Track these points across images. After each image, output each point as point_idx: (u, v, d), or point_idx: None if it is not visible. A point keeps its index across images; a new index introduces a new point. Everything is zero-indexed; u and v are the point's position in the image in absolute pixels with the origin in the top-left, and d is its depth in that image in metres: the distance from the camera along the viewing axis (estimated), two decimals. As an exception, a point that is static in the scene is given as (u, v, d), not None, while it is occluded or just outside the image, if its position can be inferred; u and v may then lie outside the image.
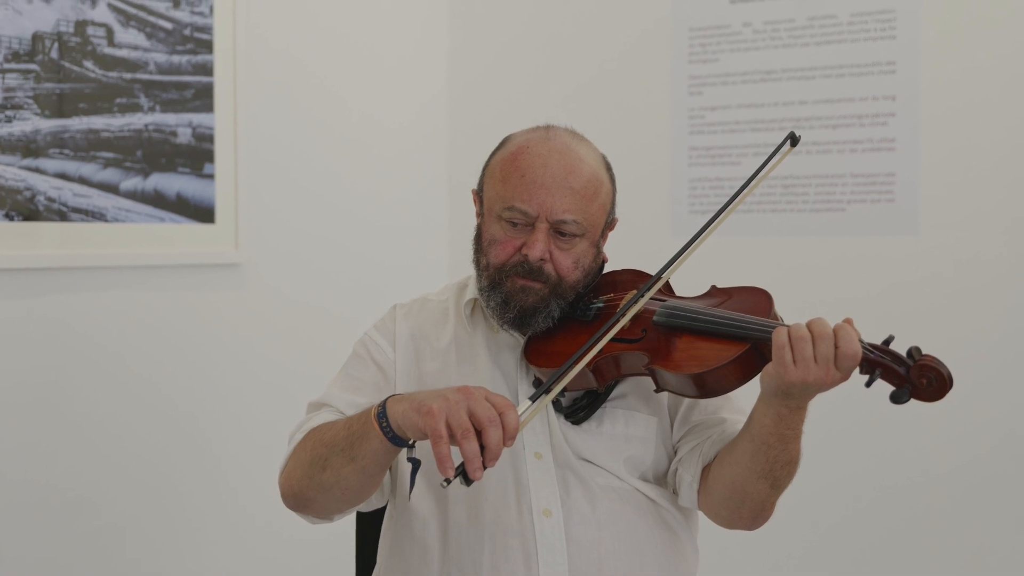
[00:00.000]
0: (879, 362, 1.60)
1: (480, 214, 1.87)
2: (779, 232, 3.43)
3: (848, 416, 3.07)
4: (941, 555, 3.20)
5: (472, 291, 1.89)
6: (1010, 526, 3.14)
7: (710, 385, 1.67)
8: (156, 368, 3.09)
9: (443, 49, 4.05)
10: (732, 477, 1.72)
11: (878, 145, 3.32)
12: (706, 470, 1.79)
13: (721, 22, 3.53)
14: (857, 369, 1.60)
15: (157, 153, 3.11)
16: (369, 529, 2.07)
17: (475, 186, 1.91)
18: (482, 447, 1.49)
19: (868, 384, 1.61)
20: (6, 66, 2.79)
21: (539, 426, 1.78)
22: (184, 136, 3.18)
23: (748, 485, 1.71)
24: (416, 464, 1.60)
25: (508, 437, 1.50)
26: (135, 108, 3.07)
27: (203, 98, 3.23)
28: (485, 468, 1.49)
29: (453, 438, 1.50)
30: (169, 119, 3.15)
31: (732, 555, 2.85)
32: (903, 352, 1.61)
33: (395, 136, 3.87)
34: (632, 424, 1.81)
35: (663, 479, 1.86)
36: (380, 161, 3.80)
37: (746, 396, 1.80)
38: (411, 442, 1.60)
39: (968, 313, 3.21)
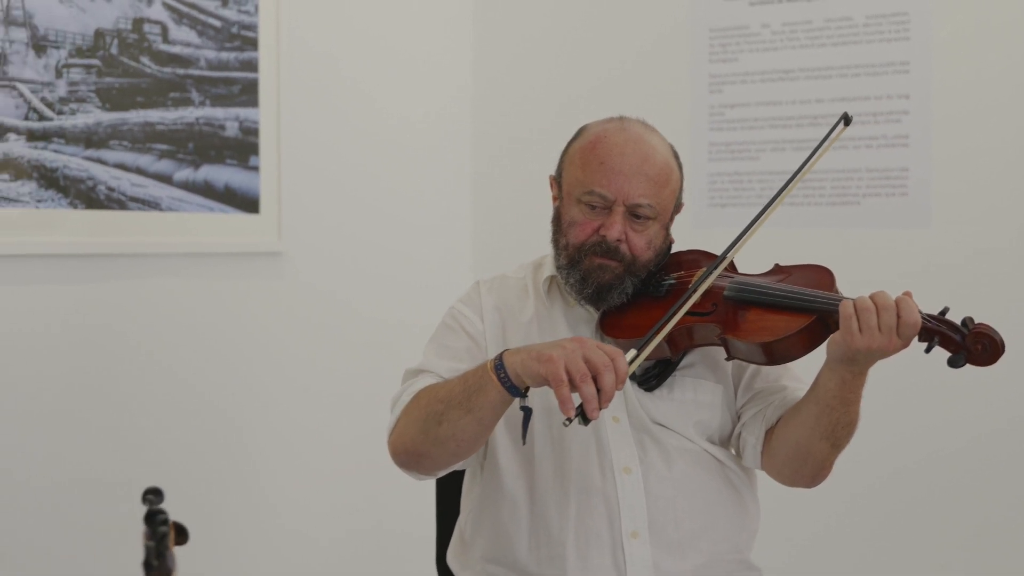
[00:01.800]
0: (937, 330, 1.77)
1: (558, 198, 2.02)
2: (797, 225, 3.58)
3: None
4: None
5: (549, 269, 2.04)
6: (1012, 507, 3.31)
7: (779, 353, 1.82)
8: (204, 349, 3.23)
9: (467, 47, 4.20)
10: (796, 438, 1.88)
11: (892, 141, 3.49)
12: (769, 433, 1.95)
13: (741, 23, 3.69)
14: (916, 337, 1.76)
15: (207, 146, 3.24)
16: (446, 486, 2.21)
17: (553, 173, 2.05)
18: (598, 390, 1.65)
19: (927, 350, 1.78)
20: (70, 61, 2.92)
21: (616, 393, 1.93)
22: (232, 130, 3.32)
23: (811, 445, 1.86)
24: (528, 412, 1.75)
25: (619, 381, 1.66)
26: (187, 102, 3.20)
27: (249, 93, 3.37)
28: (600, 409, 1.64)
29: (572, 382, 1.65)
30: (218, 113, 3.28)
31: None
32: (958, 321, 1.77)
33: (421, 132, 4.01)
34: (700, 391, 1.97)
35: (727, 442, 2.01)
36: (406, 156, 3.94)
37: (804, 367, 1.95)
38: (525, 391, 1.75)
39: (979, 303, 3.34)
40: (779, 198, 1.95)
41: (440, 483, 2.21)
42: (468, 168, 4.21)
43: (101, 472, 2.93)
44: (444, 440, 1.80)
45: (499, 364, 1.75)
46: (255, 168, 3.38)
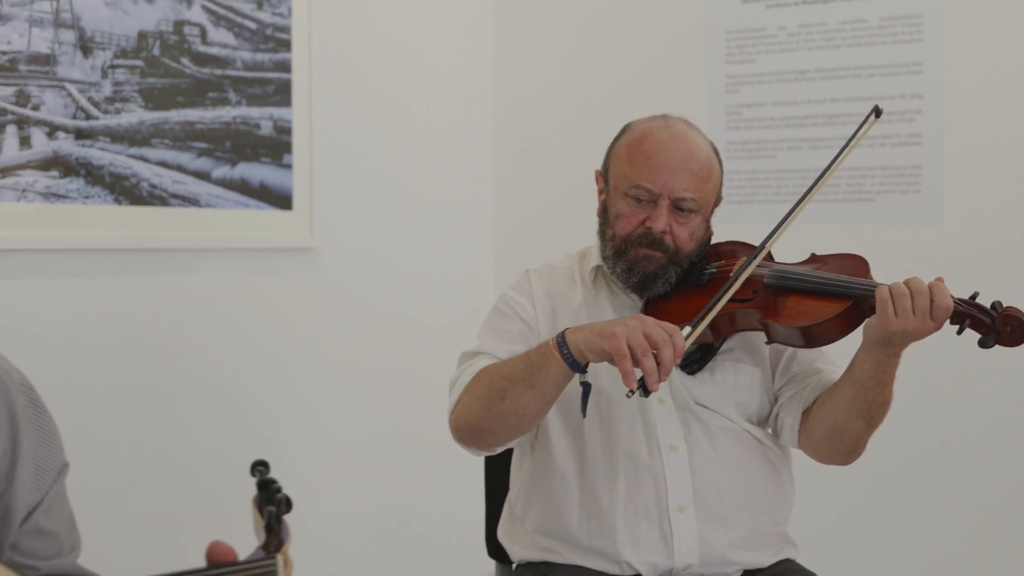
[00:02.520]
0: (968, 313, 1.88)
1: (604, 191, 2.13)
2: (814, 221, 3.68)
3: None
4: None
5: (594, 259, 2.15)
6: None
7: (816, 336, 1.93)
8: (238, 340, 3.33)
9: (488, 48, 4.30)
10: (833, 417, 1.98)
11: (906, 140, 3.59)
12: (806, 413, 2.06)
13: (757, 25, 3.79)
14: (948, 320, 1.87)
15: (243, 144, 3.34)
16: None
17: (599, 168, 2.16)
18: (657, 364, 1.76)
19: (959, 332, 1.89)
20: (115, 62, 3.03)
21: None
22: (266, 128, 3.42)
23: (847, 424, 1.97)
24: (587, 387, 1.86)
25: (677, 355, 1.78)
26: (224, 102, 3.30)
27: (282, 93, 3.47)
28: (660, 382, 1.76)
29: (633, 357, 1.76)
30: (253, 112, 3.38)
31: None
32: (987, 305, 1.88)
33: (444, 131, 4.11)
34: (740, 374, 2.07)
35: (765, 422, 2.12)
36: (431, 155, 4.04)
37: (839, 351, 2.06)
38: (585, 367, 1.85)
39: (989, 296, 3.47)
40: (814, 189, 2.06)
41: (488, 464, 2.31)
42: (489, 166, 4.31)
43: (128, 463, 3.03)
44: (507, 415, 1.90)
45: (561, 341, 1.86)
46: (288, 166, 3.48)
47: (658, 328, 1.79)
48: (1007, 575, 3.44)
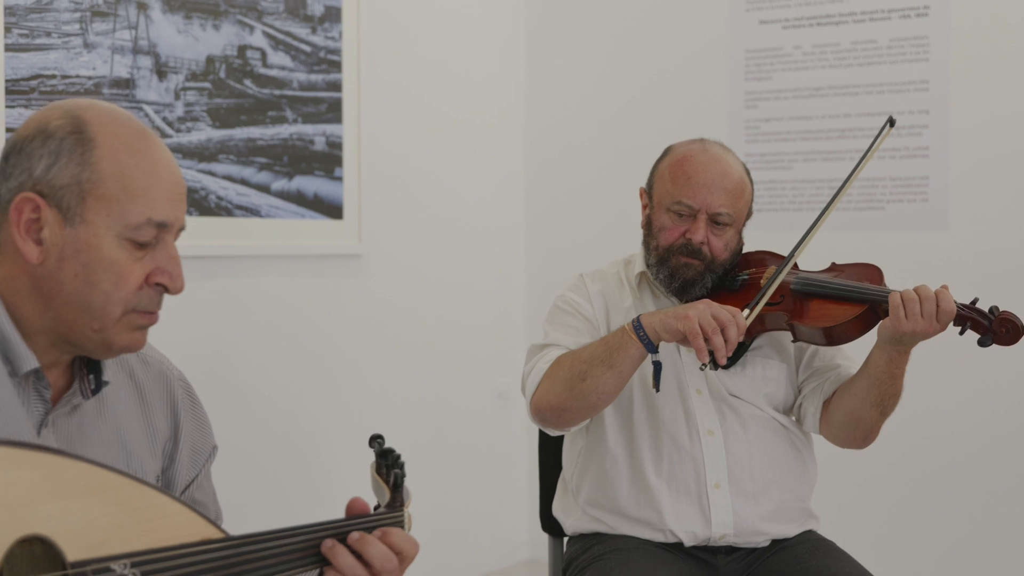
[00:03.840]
0: (969, 316, 2.14)
1: (648, 206, 2.39)
2: (829, 228, 3.92)
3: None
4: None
5: (639, 266, 2.41)
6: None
7: (837, 336, 2.19)
8: (297, 337, 3.60)
9: (520, 65, 4.57)
10: (850, 407, 2.25)
11: (913, 152, 3.85)
12: (826, 403, 2.32)
13: (775, 45, 4.06)
14: (952, 322, 2.13)
15: (299, 158, 3.61)
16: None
17: (643, 185, 2.42)
18: (724, 341, 2.05)
19: (960, 333, 2.15)
20: (186, 84, 3.30)
21: (697, 370, 2.30)
22: (319, 144, 3.69)
23: (863, 413, 2.23)
24: (659, 365, 2.13)
25: (740, 332, 2.06)
26: (282, 120, 3.57)
27: (334, 111, 3.74)
28: (727, 356, 2.05)
29: (704, 335, 2.03)
30: (308, 129, 3.65)
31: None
32: (986, 309, 2.15)
33: (479, 142, 4.38)
34: (768, 368, 2.34)
35: (790, 411, 2.38)
36: (467, 165, 4.32)
37: (855, 349, 2.32)
38: (657, 348, 2.13)
39: (992, 298, 3.73)
40: (835, 201, 2.32)
41: (541, 449, 2.57)
42: (521, 175, 4.58)
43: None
44: (587, 394, 2.17)
45: (638, 325, 2.13)
46: (339, 178, 3.75)
47: (723, 310, 2.07)
48: (1002, 552, 3.71)
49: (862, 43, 3.93)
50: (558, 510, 2.45)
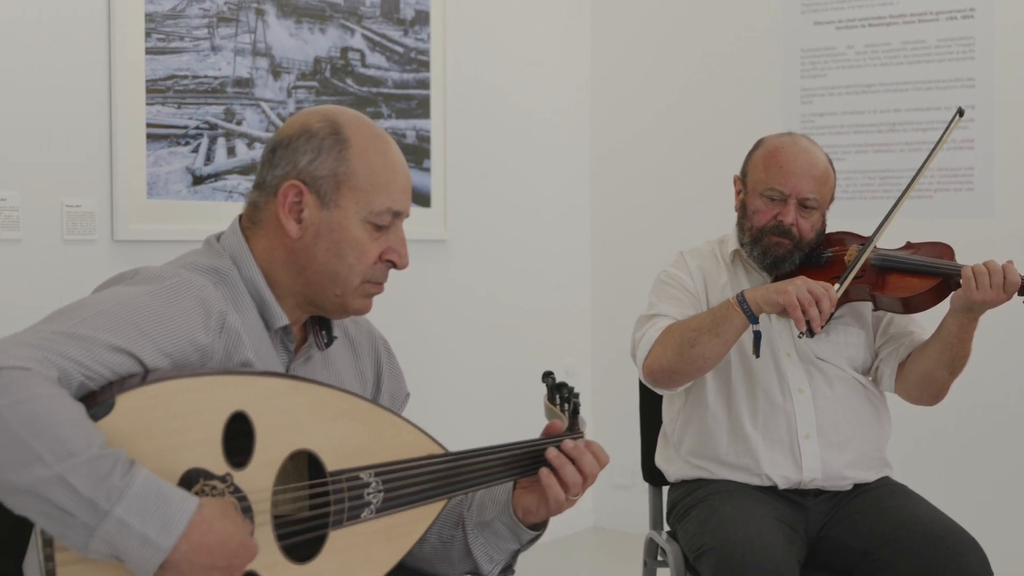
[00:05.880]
0: (1033, 287, 2.43)
1: (742, 192, 2.68)
2: (878, 216, 4.22)
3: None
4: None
5: (732, 244, 2.70)
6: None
7: (913, 305, 2.48)
8: (391, 315, 3.89)
9: (586, 59, 4.87)
10: (924, 368, 2.54)
11: (960, 145, 4.14)
12: (901, 365, 2.61)
13: (828, 44, 4.34)
14: (1017, 292, 2.42)
15: (394, 151, 3.91)
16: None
17: (737, 173, 2.72)
18: (819, 312, 2.32)
19: None
20: (297, 83, 3.60)
21: (787, 336, 2.60)
22: (411, 137, 3.99)
23: (935, 373, 2.52)
24: (759, 334, 2.42)
25: (832, 304, 2.33)
26: (379, 116, 3.87)
27: (423, 107, 4.04)
28: (822, 326, 2.32)
29: (802, 306, 2.32)
30: (401, 124, 3.96)
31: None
32: None
33: (548, 133, 4.68)
34: (849, 335, 2.63)
35: (868, 372, 2.67)
36: (538, 155, 4.62)
37: (928, 318, 2.61)
38: (757, 319, 2.42)
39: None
40: (909, 188, 2.61)
41: (642, 409, 2.87)
42: (586, 164, 4.88)
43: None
44: (696, 359, 2.46)
45: (741, 299, 2.42)
46: (428, 169, 4.05)
47: (818, 286, 2.35)
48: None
49: (911, 43, 4.21)
50: (660, 461, 2.75)
